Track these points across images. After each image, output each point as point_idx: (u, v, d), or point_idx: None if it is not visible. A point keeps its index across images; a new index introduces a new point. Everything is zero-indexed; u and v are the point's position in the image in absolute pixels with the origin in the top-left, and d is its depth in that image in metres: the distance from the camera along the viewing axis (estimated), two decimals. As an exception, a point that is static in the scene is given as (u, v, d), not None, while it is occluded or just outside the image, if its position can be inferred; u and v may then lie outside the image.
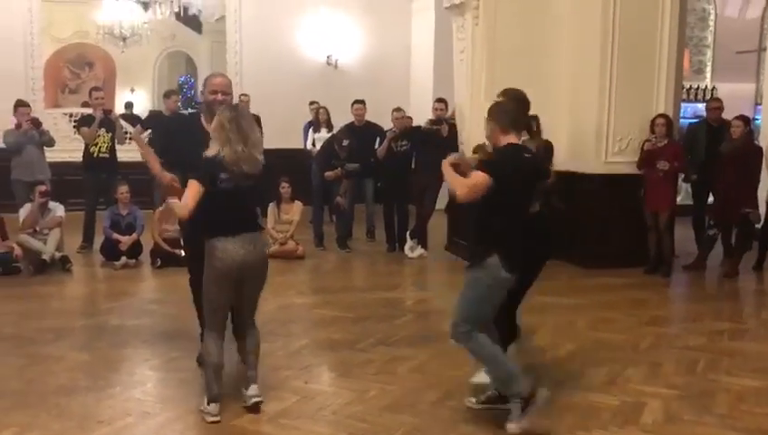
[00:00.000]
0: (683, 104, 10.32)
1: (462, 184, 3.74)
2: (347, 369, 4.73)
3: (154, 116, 9.76)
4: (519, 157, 3.80)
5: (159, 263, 7.72)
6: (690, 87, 13.79)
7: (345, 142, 8.96)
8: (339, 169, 8.92)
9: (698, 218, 8.35)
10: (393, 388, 4.35)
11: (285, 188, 8.67)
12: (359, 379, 4.52)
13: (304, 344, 5.24)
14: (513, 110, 3.94)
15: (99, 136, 8.47)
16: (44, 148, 8.63)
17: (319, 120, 10.40)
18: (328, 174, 8.95)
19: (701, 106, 13.17)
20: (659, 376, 4.59)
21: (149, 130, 9.40)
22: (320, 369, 4.83)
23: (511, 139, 3.81)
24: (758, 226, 7.85)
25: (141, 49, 15.55)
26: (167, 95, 9.61)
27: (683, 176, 8.43)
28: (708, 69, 14.57)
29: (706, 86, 14.21)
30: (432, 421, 3.86)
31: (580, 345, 5.28)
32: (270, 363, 4.74)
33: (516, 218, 3.80)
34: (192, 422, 3.86)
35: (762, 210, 7.78)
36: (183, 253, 7.79)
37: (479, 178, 3.64)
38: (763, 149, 7.96)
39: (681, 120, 9.23)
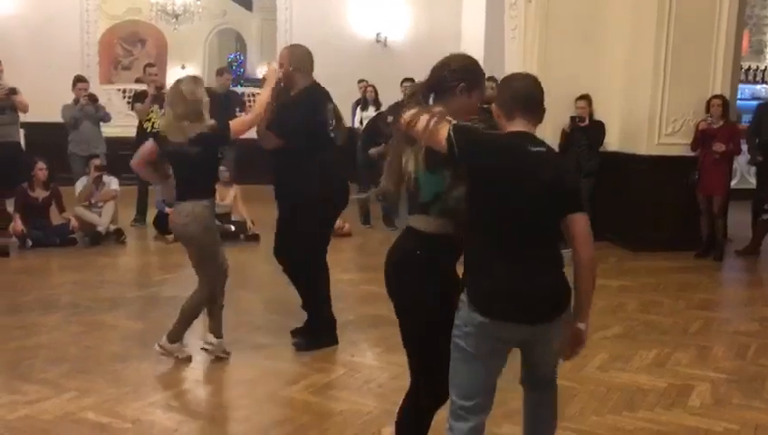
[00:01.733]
0: (741, 85, 10.04)
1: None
2: (391, 345, 4.73)
3: (207, 93, 9.86)
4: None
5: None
6: (749, 67, 13.42)
7: (390, 118, 8.94)
8: (384, 145, 8.92)
9: (758, 202, 8.16)
10: (438, 364, 4.39)
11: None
12: (403, 354, 4.47)
13: (351, 320, 5.30)
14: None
15: (152, 112, 8.62)
16: (100, 123, 8.83)
17: (366, 98, 10.41)
18: (372, 151, 8.97)
19: (759, 87, 12.82)
20: (708, 360, 4.54)
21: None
22: (365, 344, 4.90)
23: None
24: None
25: (192, 26, 15.75)
26: (219, 72, 9.73)
27: (749, 158, 8.25)
28: (768, 49, 14.18)
29: (766, 67, 13.82)
30: (477, 398, 3.88)
31: (628, 327, 5.24)
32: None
33: None
34: (242, 391, 3.96)
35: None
36: (232, 227, 7.98)
37: None
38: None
39: (738, 102, 8.99)
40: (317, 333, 4.68)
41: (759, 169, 8.25)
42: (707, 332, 5.14)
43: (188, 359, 4.39)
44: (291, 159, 4.44)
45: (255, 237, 7.89)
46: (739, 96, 9.51)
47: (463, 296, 2.54)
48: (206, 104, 4.29)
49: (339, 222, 8.45)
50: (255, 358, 4.46)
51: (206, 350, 4.39)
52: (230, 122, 4.40)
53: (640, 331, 5.14)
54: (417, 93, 2.85)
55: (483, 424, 2.72)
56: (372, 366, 4.43)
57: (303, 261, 4.64)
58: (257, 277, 6.63)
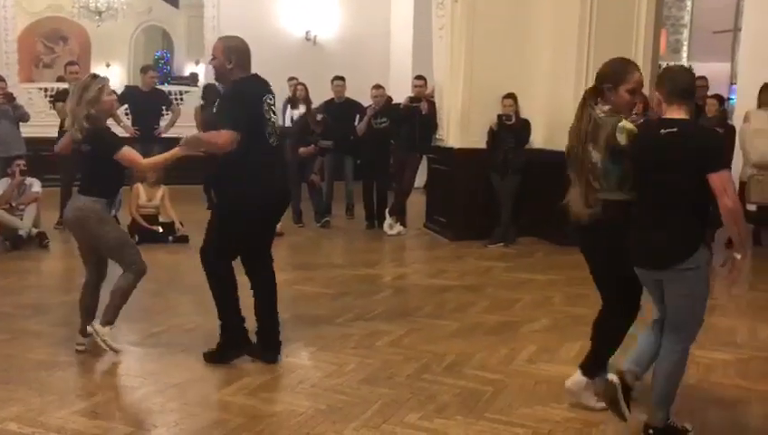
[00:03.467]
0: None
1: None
2: (326, 343, 4.79)
3: (130, 91, 9.66)
4: None
5: (137, 239, 7.68)
6: (667, 66, 13.92)
7: (319, 117, 8.96)
8: (313, 145, 8.92)
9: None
10: (371, 361, 4.42)
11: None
12: (337, 353, 4.59)
13: (284, 320, 5.23)
14: None
15: (74, 111, 8.36)
16: (19, 123, 8.53)
17: (296, 96, 10.36)
18: (302, 150, 8.95)
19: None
20: (632, 350, 4.68)
21: (125, 106, 9.34)
22: (299, 343, 4.88)
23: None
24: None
25: (117, 23, 15.36)
26: (143, 70, 9.55)
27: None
28: (685, 48, 14.72)
29: (683, 65, 14.35)
30: (409, 393, 3.93)
31: (555, 320, 5.38)
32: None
33: None
34: (172, 395, 3.90)
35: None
36: (160, 229, 7.84)
37: None
38: (737, 129, 8.09)
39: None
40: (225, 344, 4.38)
41: None
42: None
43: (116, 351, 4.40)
44: (224, 160, 4.18)
45: (184, 239, 7.77)
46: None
47: None
48: (104, 104, 4.31)
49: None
50: (186, 361, 4.40)
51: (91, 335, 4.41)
52: (124, 148, 4.34)
53: (567, 323, 5.28)
54: (587, 95, 3.66)
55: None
56: (306, 366, 4.43)
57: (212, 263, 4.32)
58: (187, 279, 6.52)
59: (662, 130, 3.29)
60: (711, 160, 3.20)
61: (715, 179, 3.16)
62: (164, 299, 5.67)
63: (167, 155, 4.50)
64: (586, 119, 3.57)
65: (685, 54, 14.71)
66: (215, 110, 4.50)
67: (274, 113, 4.35)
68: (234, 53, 4.29)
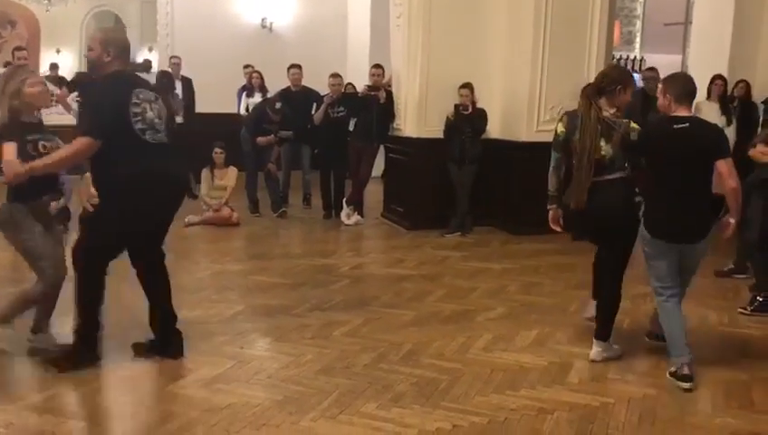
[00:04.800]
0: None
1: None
2: (282, 334, 4.76)
3: (81, 78, 9.44)
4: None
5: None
6: (620, 57, 14.13)
7: (278, 105, 8.87)
8: (272, 135, 8.84)
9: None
10: (328, 351, 4.41)
11: (218, 153, 8.56)
12: (294, 343, 4.56)
13: (240, 311, 5.23)
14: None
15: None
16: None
17: (252, 84, 10.27)
18: (260, 139, 8.86)
19: (635, 76, 13.49)
20: (586, 338, 4.75)
21: (76, 93, 9.13)
22: (255, 334, 4.84)
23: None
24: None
25: (67, 8, 15.04)
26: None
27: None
28: (638, 40, 14.95)
29: (636, 56, 14.59)
30: (366, 383, 3.93)
31: (511, 308, 5.42)
32: (205, 329, 4.74)
33: None
34: (124, 389, 3.84)
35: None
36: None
37: None
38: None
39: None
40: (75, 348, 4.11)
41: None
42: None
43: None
44: (97, 161, 3.95)
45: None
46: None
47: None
48: (26, 96, 4.07)
49: (227, 210, 8.34)
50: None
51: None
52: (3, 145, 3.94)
53: (522, 312, 5.34)
54: (591, 98, 4.17)
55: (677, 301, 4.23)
56: (262, 357, 4.39)
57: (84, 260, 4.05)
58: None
59: (675, 126, 4.01)
60: (719, 149, 3.97)
61: (723, 165, 3.93)
62: (115, 291, 5.54)
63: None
64: (595, 118, 4.13)
65: (637, 46, 14.95)
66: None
67: (151, 108, 4.01)
68: (112, 46, 4.03)
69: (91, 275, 4.06)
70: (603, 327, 4.41)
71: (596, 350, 4.38)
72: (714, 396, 3.94)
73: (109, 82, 4.04)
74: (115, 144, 3.87)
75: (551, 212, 4.52)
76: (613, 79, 4.24)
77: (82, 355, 4.07)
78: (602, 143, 4.13)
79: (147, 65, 16.57)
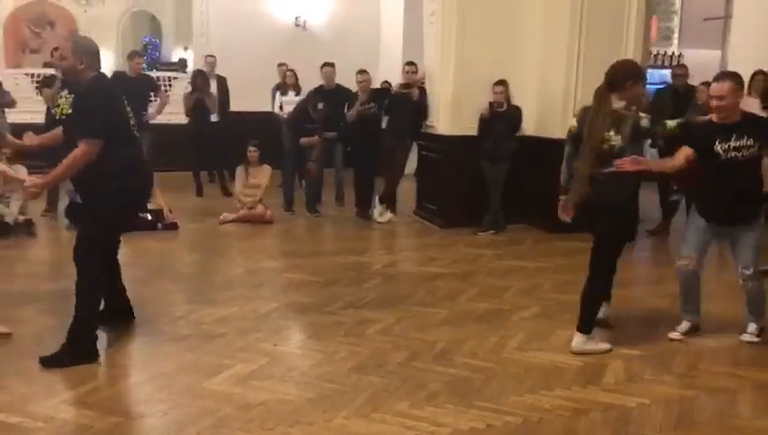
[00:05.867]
0: (650, 70, 10.42)
1: None
2: (316, 331, 4.77)
3: (117, 77, 9.57)
4: None
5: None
6: (657, 53, 13.91)
7: (320, 105, 8.90)
8: (317, 136, 8.87)
9: (663, 184, 8.47)
10: (361, 349, 4.41)
11: (253, 151, 8.61)
12: (327, 341, 4.57)
13: (274, 308, 5.26)
14: None
15: (61, 97, 8.26)
16: (5, 109, 8.44)
17: (286, 82, 10.31)
18: (303, 140, 8.88)
19: (668, 72, 13.31)
20: (621, 337, 4.69)
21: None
22: (289, 332, 4.87)
23: None
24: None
25: (104, 8, 15.24)
26: (130, 56, 9.46)
27: (650, 141, 8.53)
28: (675, 35, 14.70)
29: (673, 52, 14.36)
30: (399, 382, 3.92)
31: (545, 307, 5.37)
32: (239, 326, 4.78)
33: None
34: (160, 385, 3.88)
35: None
36: (149, 216, 7.79)
37: None
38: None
39: (648, 86, 9.29)
40: (73, 345, 4.16)
41: (661, 153, 8.56)
42: (621, 309, 5.29)
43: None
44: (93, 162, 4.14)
45: (173, 226, 7.72)
46: (649, 80, 9.84)
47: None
48: None
49: (261, 208, 8.40)
50: (175, 350, 4.38)
51: None
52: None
53: (557, 311, 5.28)
54: (603, 92, 4.29)
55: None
56: (295, 354, 4.41)
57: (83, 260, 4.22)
58: (176, 267, 6.50)
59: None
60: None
61: None
62: (152, 287, 5.64)
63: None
64: (603, 111, 4.23)
65: (675, 41, 14.70)
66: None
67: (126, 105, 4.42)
68: (85, 54, 4.25)
69: (95, 271, 4.24)
70: (583, 320, 4.46)
71: (575, 341, 4.45)
72: (755, 399, 3.86)
73: (102, 86, 4.31)
74: (114, 140, 4.15)
75: (559, 203, 4.63)
76: (624, 73, 4.31)
77: (81, 353, 4.13)
78: (612, 133, 4.21)
79: (182, 64, 16.74)
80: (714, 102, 4.37)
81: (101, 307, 4.45)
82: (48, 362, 4.07)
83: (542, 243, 7.53)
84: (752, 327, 4.71)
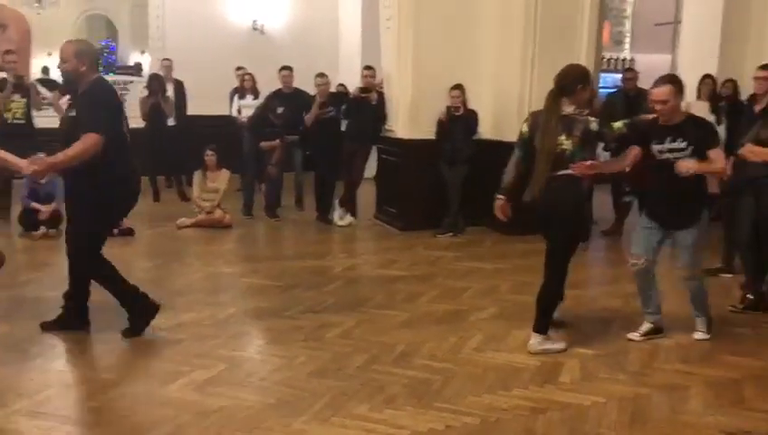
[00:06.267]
0: (603, 74, 10.60)
1: None
2: (275, 336, 4.76)
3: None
4: None
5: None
6: (610, 58, 14.17)
7: (280, 110, 8.88)
8: (278, 139, 8.84)
9: (616, 185, 8.63)
10: (321, 353, 4.41)
11: (210, 155, 8.55)
12: (287, 346, 4.57)
13: (232, 313, 5.23)
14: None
15: (12, 101, 8.15)
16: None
17: (244, 86, 10.25)
18: (264, 144, 8.85)
19: (620, 76, 13.57)
20: (577, 337, 4.77)
21: (68, 96, 9.09)
22: (248, 337, 4.85)
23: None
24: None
25: (59, 11, 14.98)
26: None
27: (602, 145, 8.68)
28: (627, 40, 14.99)
29: (625, 57, 14.63)
30: (358, 385, 3.94)
31: (502, 308, 5.44)
32: (197, 332, 4.74)
33: None
34: (118, 392, 3.83)
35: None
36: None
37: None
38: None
39: (601, 90, 9.48)
40: (138, 319, 4.66)
41: (612, 155, 8.72)
42: (576, 310, 5.39)
43: None
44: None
45: (129, 232, 7.61)
46: (601, 84, 10.05)
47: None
48: None
49: (219, 212, 8.33)
50: (131, 357, 4.33)
51: None
52: None
53: (514, 311, 5.35)
54: (553, 97, 4.37)
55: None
56: (254, 360, 4.40)
57: (81, 260, 4.59)
58: (133, 273, 6.37)
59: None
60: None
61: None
62: (108, 294, 5.54)
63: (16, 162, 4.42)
64: (556, 116, 4.32)
65: (627, 46, 14.98)
66: (73, 113, 4.53)
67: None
68: (85, 56, 4.40)
69: (96, 258, 4.56)
70: (539, 321, 4.54)
71: (532, 341, 4.53)
72: (705, 394, 3.96)
73: (105, 87, 4.50)
74: (113, 143, 4.31)
75: (497, 202, 4.81)
76: (573, 78, 4.40)
77: (141, 322, 4.63)
78: (563, 138, 4.30)
79: (138, 68, 16.54)
80: (657, 107, 4.45)
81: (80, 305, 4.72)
82: (129, 333, 4.58)
83: (500, 245, 7.61)
84: (700, 324, 4.85)
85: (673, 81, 4.49)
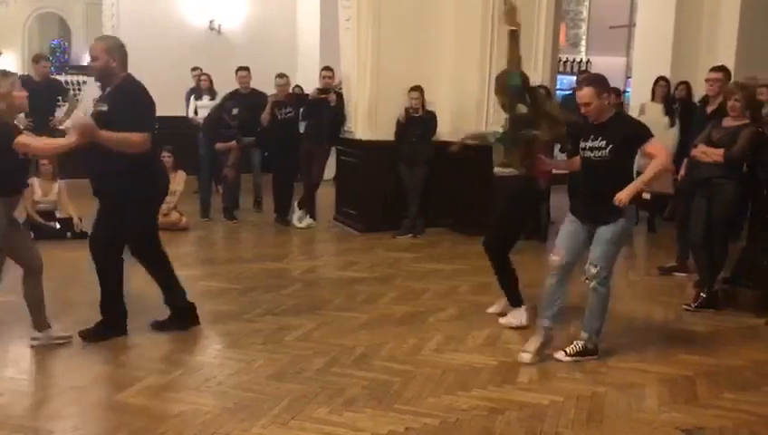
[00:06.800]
0: (559, 76, 10.72)
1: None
2: (234, 340, 4.71)
3: (23, 81, 9.18)
4: None
5: (33, 236, 7.33)
6: (566, 60, 14.34)
7: (235, 111, 8.80)
8: (234, 141, 8.76)
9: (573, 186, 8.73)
10: (280, 357, 4.38)
11: (167, 157, 8.41)
12: (245, 349, 4.52)
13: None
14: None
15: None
16: None
17: (200, 86, 10.15)
18: (219, 145, 8.76)
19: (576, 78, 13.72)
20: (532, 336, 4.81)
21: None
22: (206, 341, 4.79)
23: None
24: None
25: (9, 9, 14.62)
26: (35, 60, 9.11)
27: (560, 146, 8.78)
28: (583, 42, 15.19)
29: (582, 59, 14.82)
30: (318, 388, 3.92)
31: (461, 309, 5.46)
32: (154, 337, 4.67)
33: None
34: (69, 399, 3.75)
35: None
36: (57, 225, 7.52)
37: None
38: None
39: (558, 92, 9.59)
40: (105, 329, 4.60)
41: (569, 156, 8.82)
42: (534, 310, 5.44)
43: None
44: (122, 155, 4.27)
45: (84, 235, 7.45)
46: (558, 86, 10.16)
47: None
48: (16, 99, 4.24)
49: (175, 215, 8.22)
50: (86, 363, 4.24)
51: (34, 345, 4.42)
52: (21, 135, 4.16)
53: (473, 312, 5.38)
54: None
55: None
56: (212, 364, 4.34)
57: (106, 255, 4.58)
58: (88, 278, 6.25)
59: None
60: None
61: None
62: (62, 298, 5.44)
63: (66, 141, 4.32)
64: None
65: (583, 48, 15.18)
66: (104, 107, 4.38)
67: None
68: (116, 52, 4.40)
69: (114, 262, 4.57)
70: (510, 297, 5.15)
71: (510, 314, 5.11)
72: (660, 392, 4.03)
73: (139, 85, 4.45)
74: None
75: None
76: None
77: (107, 330, 4.55)
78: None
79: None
80: (582, 109, 4.39)
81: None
82: (87, 335, 4.50)
83: (460, 245, 7.65)
84: (581, 341, 4.46)
85: (593, 81, 4.36)
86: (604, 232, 4.35)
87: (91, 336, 4.52)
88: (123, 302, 4.67)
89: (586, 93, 4.30)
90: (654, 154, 4.29)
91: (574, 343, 4.46)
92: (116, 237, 4.53)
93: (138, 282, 5.05)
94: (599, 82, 4.36)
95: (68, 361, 4.28)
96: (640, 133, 4.33)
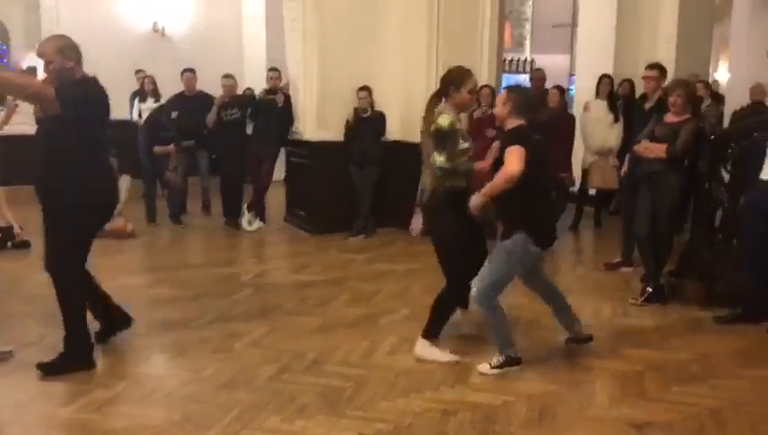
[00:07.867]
0: (504, 75, 10.82)
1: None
2: (182, 348, 4.60)
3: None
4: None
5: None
6: (511, 59, 14.50)
7: (174, 114, 8.64)
8: (173, 145, 8.60)
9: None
10: (230, 365, 4.29)
11: (112, 162, 8.22)
12: (194, 358, 4.43)
13: (136, 327, 5.01)
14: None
15: None
16: None
17: (144, 89, 9.95)
18: (157, 149, 8.59)
19: (522, 77, 13.90)
20: (489, 337, 4.81)
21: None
22: (152, 351, 4.66)
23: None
24: (573, 189, 8.43)
25: (-59, 11, 14.10)
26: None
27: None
28: (528, 42, 15.38)
29: (526, 58, 15.01)
30: (269, 396, 3.85)
31: (414, 310, 5.44)
32: (97, 349, 4.52)
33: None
34: (11, 416, 3.61)
35: (576, 174, 8.35)
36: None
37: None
38: (576, 118, 8.53)
39: (502, 91, 9.67)
40: (69, 355, 4.17)
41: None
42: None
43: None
44: (64, 155, 4.07)
45: (25, 244, 7.24)
46: (503, 85, 10.23)
47: None
48: None
49: (121, 221, 8.02)
50: (27, 378, 4.09)
51: None
52: None
53: (426, 312, 5.30)
54: (430, 101, 4.45)
55: None
56: (159, 375, 4.24)
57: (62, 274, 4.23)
58: (28, 288, 6.08)
59: None
60: None
61: None
62: (3, 310, 5.26)
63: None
64: (427, 126, 4.38)
65: (528, 47, 15.37)
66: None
67: None
68: (70, 51, 4.16)
69: (76, 282, 4.28)
70: (429, 326, 4.49)
71: (418, 346, 4.47)
72: (610, 388, 4.07)
73: (92, 86, 4.23)
74: (94, 142, 4.21)
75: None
76: (445, 81, 4.41)
77: (72, 363, 4.13)
78: (436, 154, 4.35)
79: (32, 71, 15.78)
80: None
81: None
82: (47, 369, 4.08)
83: (412, 245, 7.61)
84: (496, 355, 4.28)
85: (509, 89, 4.33)
86: (492, 252, 4.29)
87: (52, 369, 4.09)
88: (88, 331, 4.28)
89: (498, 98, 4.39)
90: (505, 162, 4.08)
91: (496, 356, 4.26)
92: (72, 256, 4.24)
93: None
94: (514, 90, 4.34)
95: (8, 376, 4.12)
96: (507, 140, 4.18)
